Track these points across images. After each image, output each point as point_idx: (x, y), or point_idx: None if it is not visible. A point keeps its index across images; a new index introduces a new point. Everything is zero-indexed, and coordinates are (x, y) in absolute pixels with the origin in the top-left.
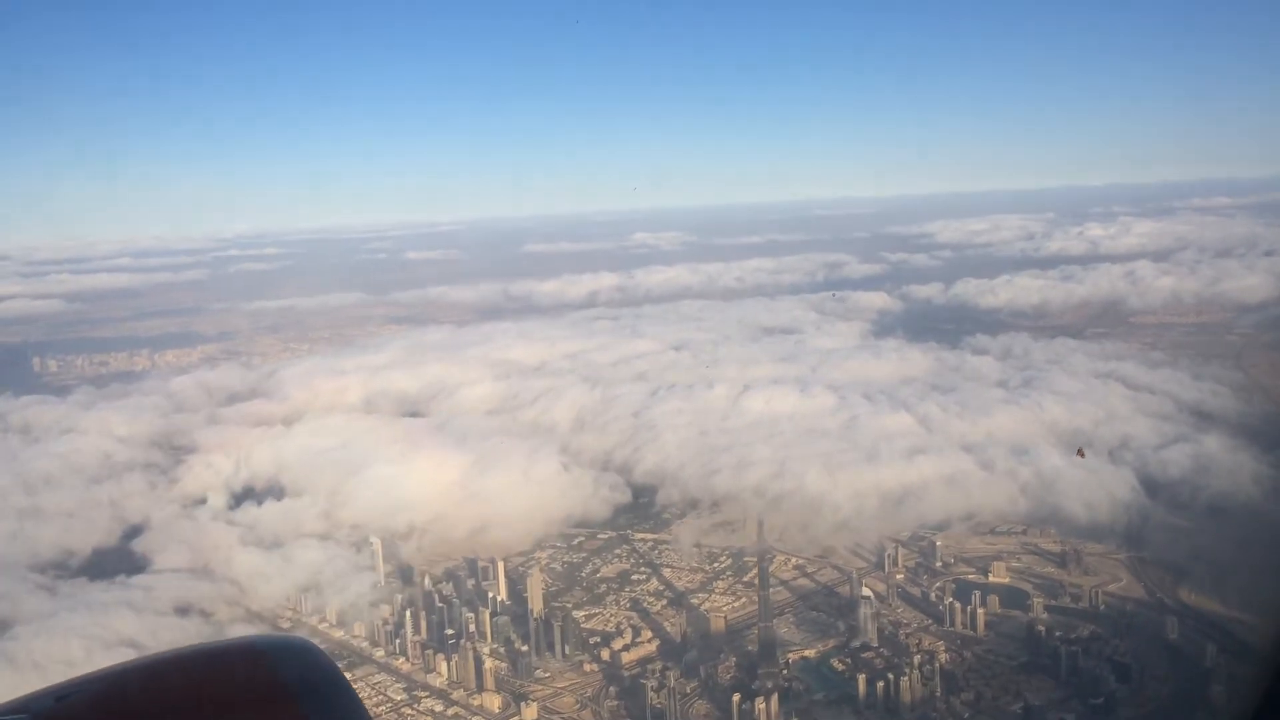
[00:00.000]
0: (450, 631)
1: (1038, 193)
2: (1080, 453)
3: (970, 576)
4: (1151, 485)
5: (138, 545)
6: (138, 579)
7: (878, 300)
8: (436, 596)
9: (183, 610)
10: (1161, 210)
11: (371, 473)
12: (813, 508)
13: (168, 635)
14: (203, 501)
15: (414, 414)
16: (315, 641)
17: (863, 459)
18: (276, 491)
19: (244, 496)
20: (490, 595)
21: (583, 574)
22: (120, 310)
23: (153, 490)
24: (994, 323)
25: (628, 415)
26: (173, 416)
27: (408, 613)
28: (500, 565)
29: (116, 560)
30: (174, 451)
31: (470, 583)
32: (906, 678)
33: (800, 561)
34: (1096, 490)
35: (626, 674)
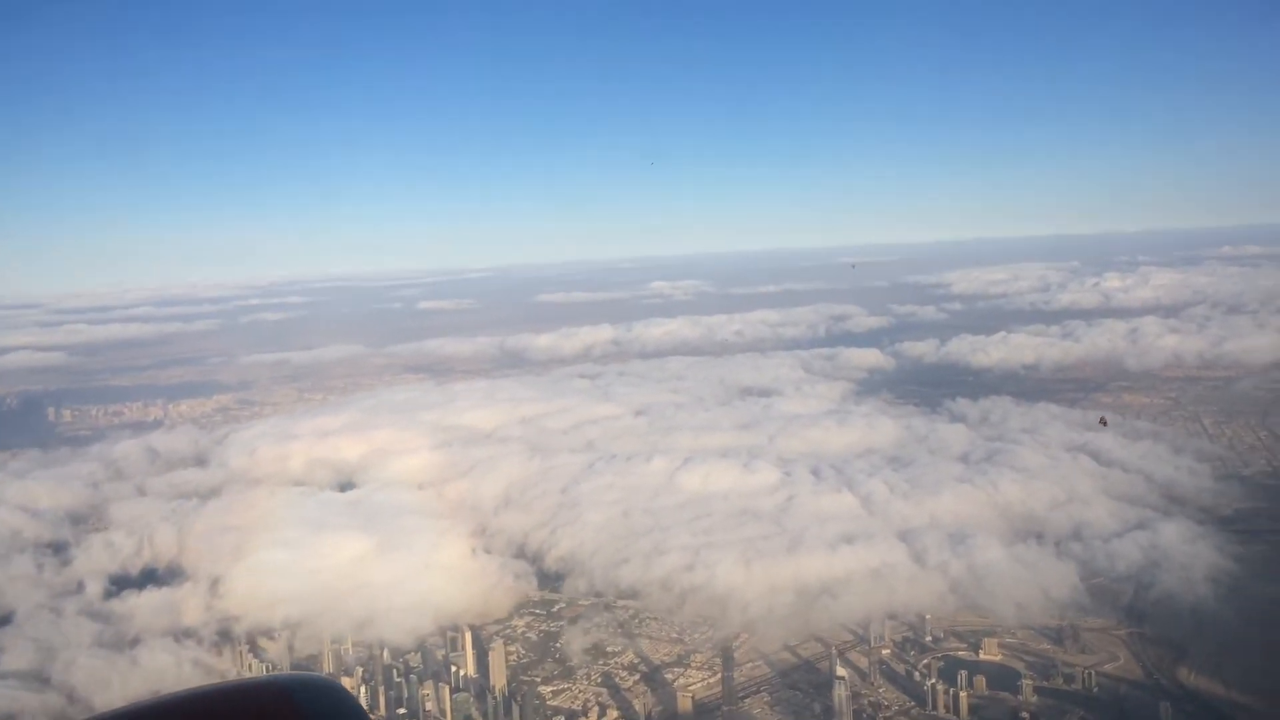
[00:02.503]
0: (402, 711)
1: (1070, 239)
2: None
3: (961, 653)
4: (1093, 583)
5: None
6: None
7: (869, 358)
8: (396, 671)
9: None
10: (1187, 260)
11: (263, 557)
12: (720, 604)
13: None
14: (79, 590)
15: (346, 485)
16: None
17: (787, 547)
18: (167, 575)
19: (130, 582)
20: (454, 669)
21: (556, 644)
22: (117, 362)
23: (39, 574)
24: (982, 383)
25: (556, 491)
26: (102, 487)
27: (363, 689)
28: (467, 636)
29: None
30: (84, 528)
31: (440, 653)
32: None
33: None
34: (1030, 588)
35: None
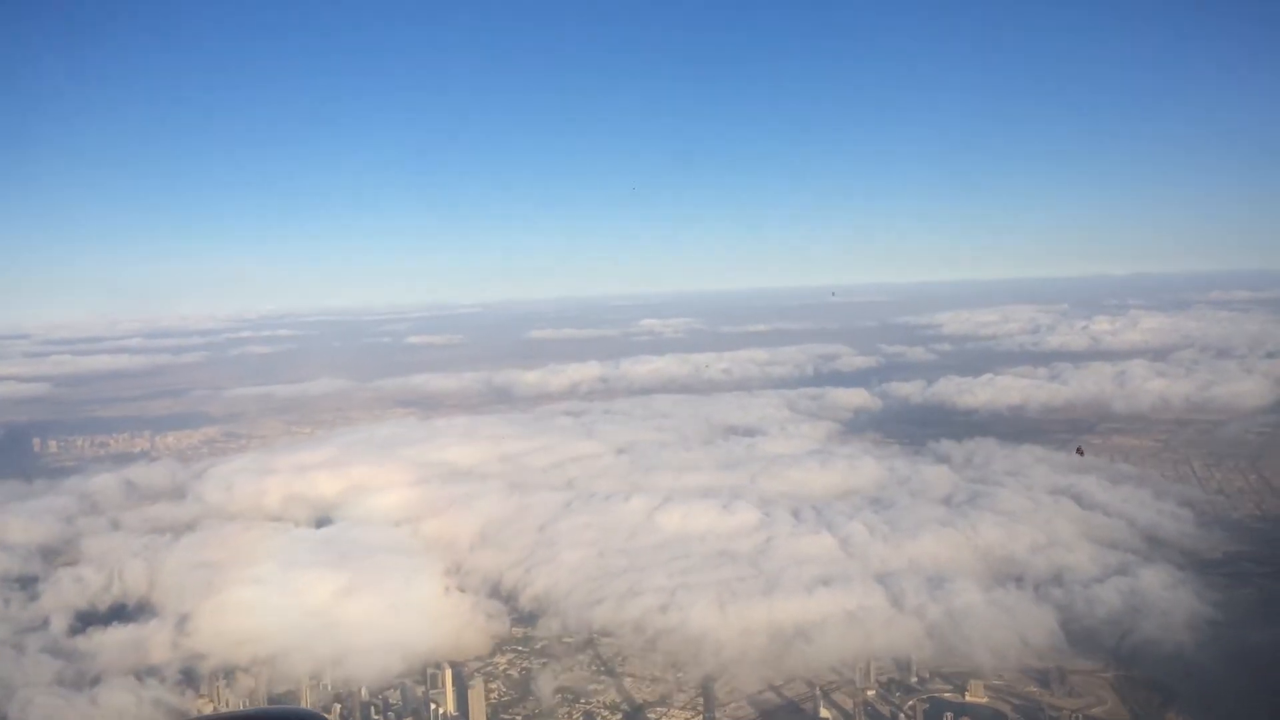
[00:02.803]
0: None
1: (1060, 281)
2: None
3: (947, 695)
4: (1071, 628)
5: None
6: None
7: (856, 398)
8: (374, 709)
9: None
10: (1177, 303)
11: (233, 594)
12: (692, 646)
13: None
14: (44, 626)
15: (323, 520)
16: None
17: (763, 590)
18: (135, 612)
19: (98, 618)
20: (434, 707)
21: (536, 682)
22: (105, 393)
23: (4, 609)
24: (968, 425)
25: (533, 529)
26: (76, 520)
27: None
28: (447, 674)
29: None
30: (55, 562)
31: (420, 690)
32: None
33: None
34: (1007, 633)
35: None
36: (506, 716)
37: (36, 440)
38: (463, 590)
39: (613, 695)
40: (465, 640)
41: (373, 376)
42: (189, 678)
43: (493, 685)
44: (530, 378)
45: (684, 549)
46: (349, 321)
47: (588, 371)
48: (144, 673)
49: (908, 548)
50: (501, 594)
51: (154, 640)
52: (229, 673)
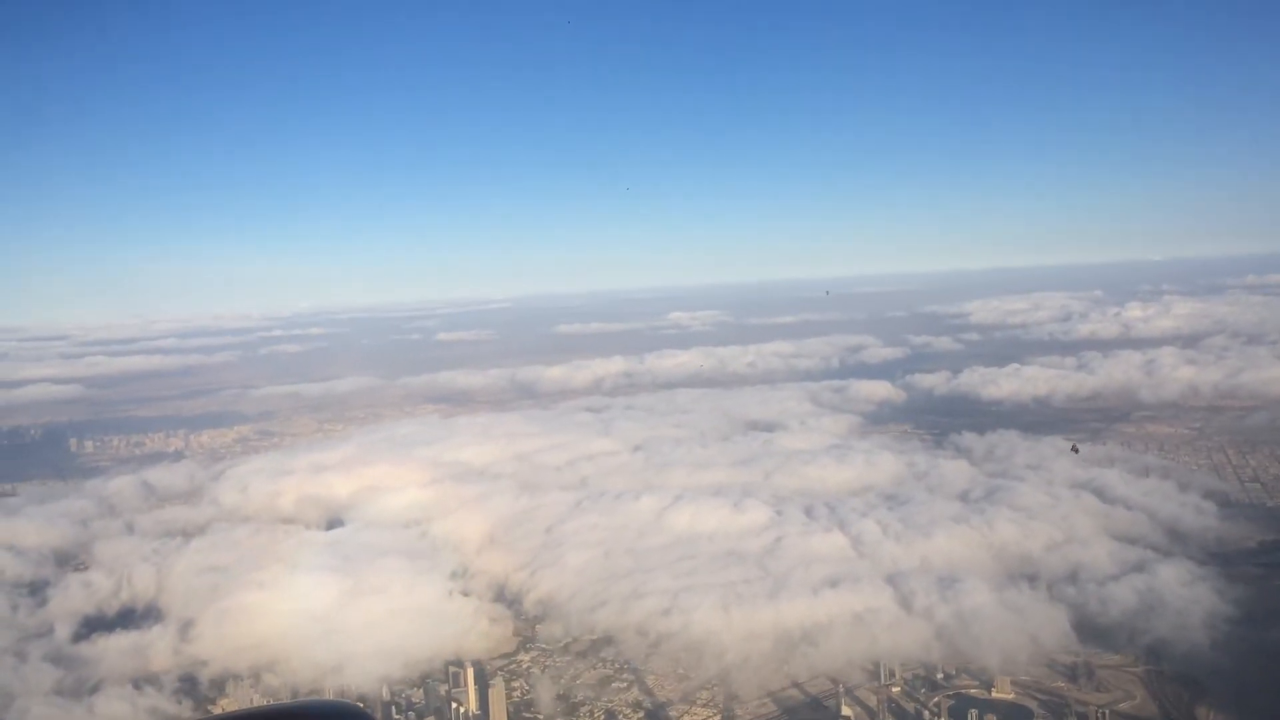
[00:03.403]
0: None
1: (1095, 268)
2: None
3: (973, 690)
4: (1085, 628)
5: None
6: None
7: (879, 390)
8: (395, 708)
9: None
10: (1210, 288)
11: (236, 600)
12: (695, 651)
13: None
14: (48, 633)
15: (334, 522)
16: None
17: (770, 591)
18: (140, 617)
19: (103, 623)
20: (455, 706)
21: (559, 680)
22: (141, 392)
23: (12, 615)
24: (991, 417)
25: (541, 531)
26: (92, 524)
27: None
28: (468, 672)
29: None
30: (68, 567)
31: (443, 688)
32: None
33: None
34: (1018, 635)
35: None
36: (528, 715)
37: (75, 440)
38: (467, 594)
39: (635, 694)
40: (467, 645)
41: (401, 374)
42: (187, 685)
43: (515, 684)
44: (554, 373)
45: (691, 549)
46: (380, 319)
47: (612, 366)
48: (144, 680)
49: (920, 546)
50: (506, 597)
51: (157, 647)
52: (233, 679)
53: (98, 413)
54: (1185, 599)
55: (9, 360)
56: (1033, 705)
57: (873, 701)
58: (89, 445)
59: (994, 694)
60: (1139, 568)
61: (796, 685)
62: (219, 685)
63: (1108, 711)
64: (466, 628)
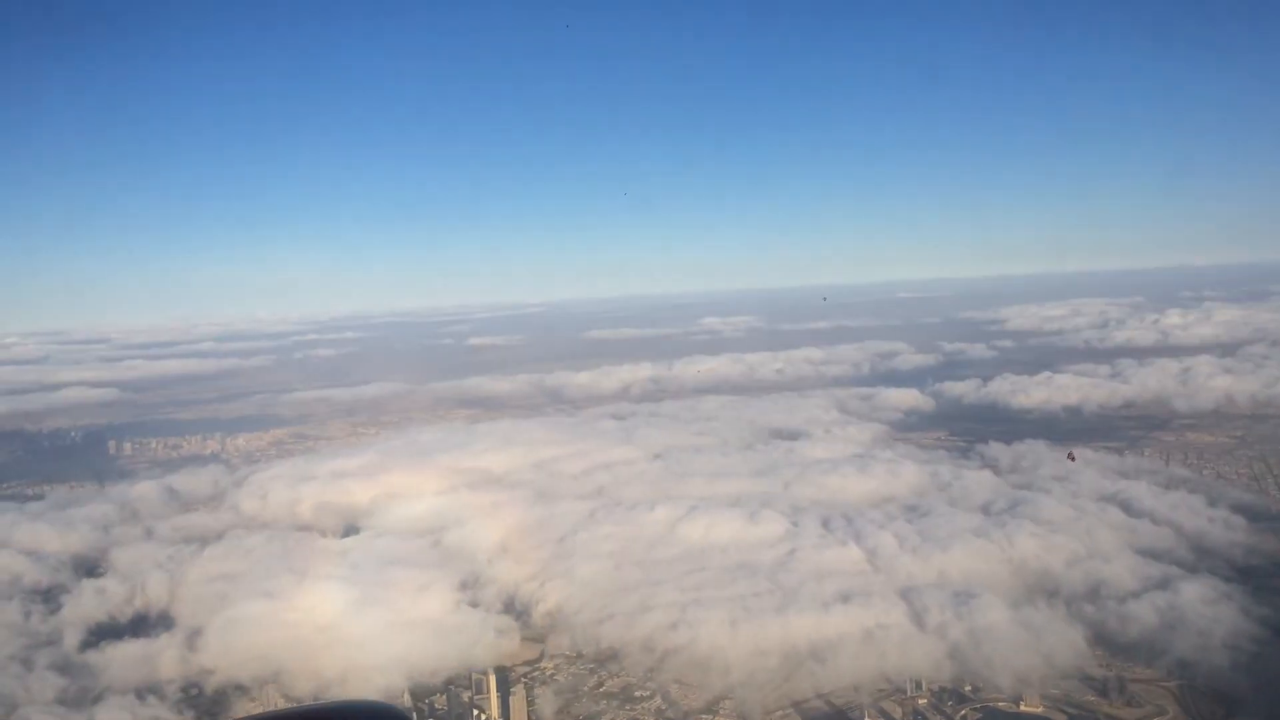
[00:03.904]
0: None
1: (1138, 273)
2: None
3: (1001, 703)
4: (1103, 646)
5: None
6: None
7: (908, 398)
8: (417, 714)
9: None
10: (1254, 295)
11: (243, 609)
12: (700, 668)
13: None
14: (57, 641)
15: (350, 529)
16: None
17: (779, 606)
18: (149, 626)
19: (113, 631)
20: (476, 714)
21: (584, 688)
22: (182, 395)
23: (24, 622)
24: (1020, 426)
25: (554, 541)
26: (113, 529)
27: None
28: (491, 679)
29: None
30: (84, 573)
31: (466, 694)
32: None
33: None
34: (1032, 655)
35: None
36: (598, 708)
37: (114, 442)
38: (474, 605)
39: (659, 703)
40: (472, 657)
41: (428, 379)
42: (191, 695)
43: (539, 690)
44: (581, 379)
45: (703, 562)
46: (415, 323)
47: (640, 373)
48: (148, 690)
49: (937, 561)
50: (514, 609)
51: (163, 656)
52: (253, 687)
53: (138, 415)
54: (1208, 618)
55: (50, 364)
56: (1061, 719)
57: (898, 714)
58: (127, 447)
59: (1022, 707)
60: (1162, 584)
61: (821, 696)
62: (223, 695)
63: None
64: (473, 639)
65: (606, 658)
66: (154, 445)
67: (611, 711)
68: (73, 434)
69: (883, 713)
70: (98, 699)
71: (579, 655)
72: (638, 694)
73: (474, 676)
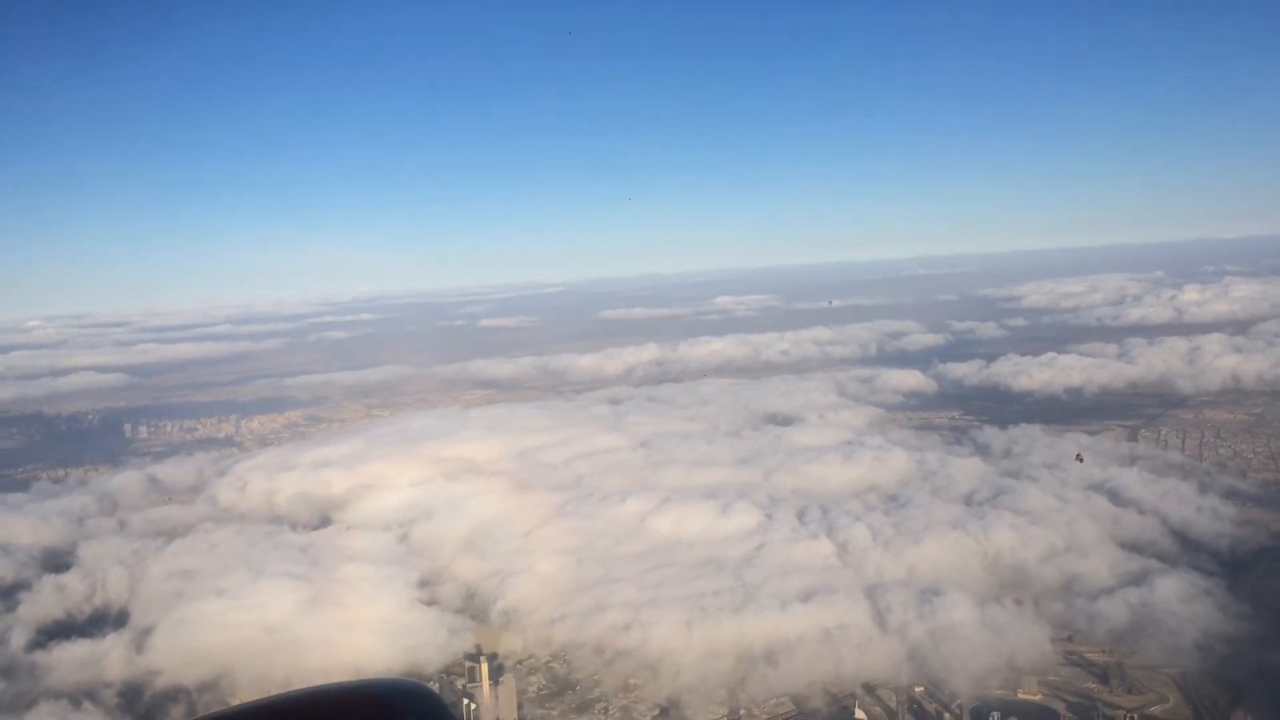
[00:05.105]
0: None
1: (1162, 246)
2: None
3: (998, 691)
4: (1066, 648)
5: None
6: None
7: (909, 380)
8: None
9: None
10: (1276, 269)
11: (195, 608)
12: (651, 669)
13: None
14: (3, 641)
15: (323, 522)
16: None
17: (739, 604)
18: (101, 625)
19: (67, 630)
20: (465, 703)
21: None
22: (199, 377)
23: None
24: (1018, 409)
25: (519, 535)
26: (86, 522)
27: None
28: (483, 667)
29: None
30: (49, 568)
31: (460, 682)
32: None
33: None
34: (993, 656)
35: None
36: (543, 710)
37: (130, 425)
38: (431, 603)
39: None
40: (423, 657)
41: (434, 362)
42: (130, 699)
43: (532, 678)
44: (584, 362)
45: (668, 557)
46: (431, 304)
47: (644, 355)
48: (84, 694)
49: (909, 555)
50: (471, 608)
51: (109, 657)
52: (180, 691)
53: (148, 399)
54: (1180, 616)
55: (66, 348)
56: (1060, 707)
57: (893, 701)
58: (143, 431)
59: (1020, 695)
60: (1138, 580)
61: (816, 684)
62: (163, 698)
63: (1138, 715)
64: (424, 640)
65: (556, 658)
66: (169, 428)
67: (605, 700)
68: (89, 417)
69: (880, 700)
70: (32, 704)
71: (529, 656)
72: (588, 697)
73: (467, 664)
